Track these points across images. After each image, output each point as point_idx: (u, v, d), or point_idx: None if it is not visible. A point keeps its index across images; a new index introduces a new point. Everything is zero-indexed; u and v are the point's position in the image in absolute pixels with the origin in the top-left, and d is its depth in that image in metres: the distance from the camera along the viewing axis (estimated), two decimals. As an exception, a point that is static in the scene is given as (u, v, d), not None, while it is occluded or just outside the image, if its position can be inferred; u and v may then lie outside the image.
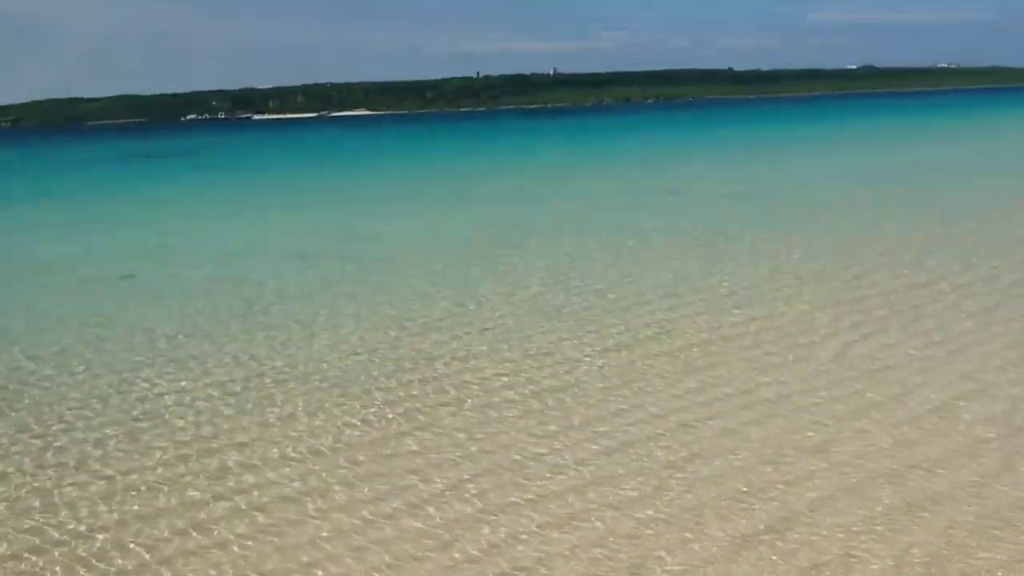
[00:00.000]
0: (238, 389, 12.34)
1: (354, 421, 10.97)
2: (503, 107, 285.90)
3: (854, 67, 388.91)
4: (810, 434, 9.81)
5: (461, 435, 10.37)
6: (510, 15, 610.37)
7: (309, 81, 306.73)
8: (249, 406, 11.71)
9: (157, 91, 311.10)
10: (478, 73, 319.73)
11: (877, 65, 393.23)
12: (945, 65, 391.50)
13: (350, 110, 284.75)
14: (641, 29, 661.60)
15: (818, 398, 10.94)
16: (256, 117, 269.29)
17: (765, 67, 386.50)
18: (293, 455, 10.01)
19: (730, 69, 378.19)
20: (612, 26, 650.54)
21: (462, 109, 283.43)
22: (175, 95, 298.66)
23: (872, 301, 15.08)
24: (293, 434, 10.61)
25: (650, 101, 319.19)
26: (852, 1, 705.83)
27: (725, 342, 13.28)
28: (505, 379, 12.29)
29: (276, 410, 11.46)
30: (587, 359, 12.90)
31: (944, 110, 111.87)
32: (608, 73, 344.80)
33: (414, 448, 10.07)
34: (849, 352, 12.48)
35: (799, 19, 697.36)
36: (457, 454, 9.83)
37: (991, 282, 15.77)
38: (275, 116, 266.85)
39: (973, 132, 65.66)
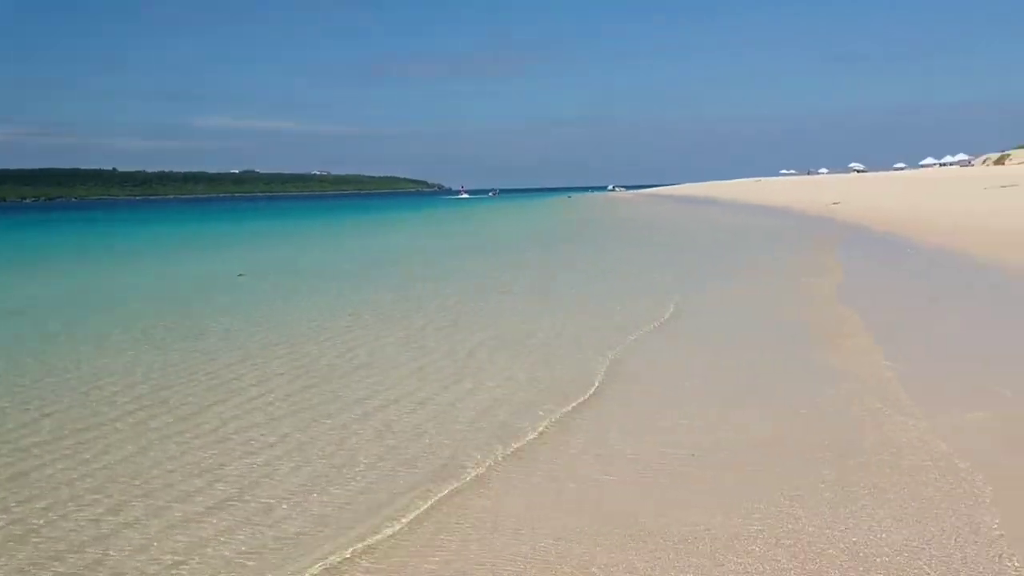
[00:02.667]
0: None
1: None
2: None
3: (237, 171, 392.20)
4: None
5: None
6: None
7: None
8: None
9: None
10: None
11: (259, 170, 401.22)
12: (317, 172, 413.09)
13: None
14: (22, 126, 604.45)
15: None
16: None
17: (152, 168, 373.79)
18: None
19: (114, 169, 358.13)
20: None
21: None
22: None
23: None
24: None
25: (27, 201, 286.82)
26: (236, 109, 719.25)
27: None
28: None
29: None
30: None
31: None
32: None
33: None
34: None
35: (188, 123, 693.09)
36: None
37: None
38: None
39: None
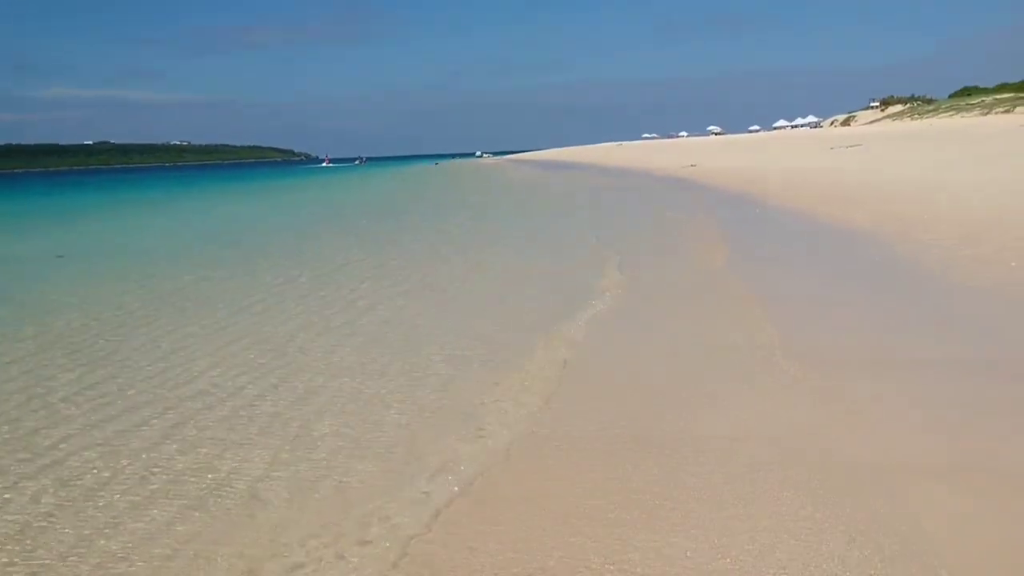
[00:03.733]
0: None
1: None
2: None
3: (91, 143, 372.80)
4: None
5: None
6: None
7: None
8: None
9: None
10: None
11: (114, 141, 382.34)
12: (178, 142, 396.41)
13: None
14: None
15: None
16: None
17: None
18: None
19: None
20: None
21: None
22: None
23: None
24: None
25: None
26: (85, 79, 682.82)
27: None
28: None
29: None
30: None
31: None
32: None
33: None
34: None
35: (33, 94, 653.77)
36: None
37: None
38: None
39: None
